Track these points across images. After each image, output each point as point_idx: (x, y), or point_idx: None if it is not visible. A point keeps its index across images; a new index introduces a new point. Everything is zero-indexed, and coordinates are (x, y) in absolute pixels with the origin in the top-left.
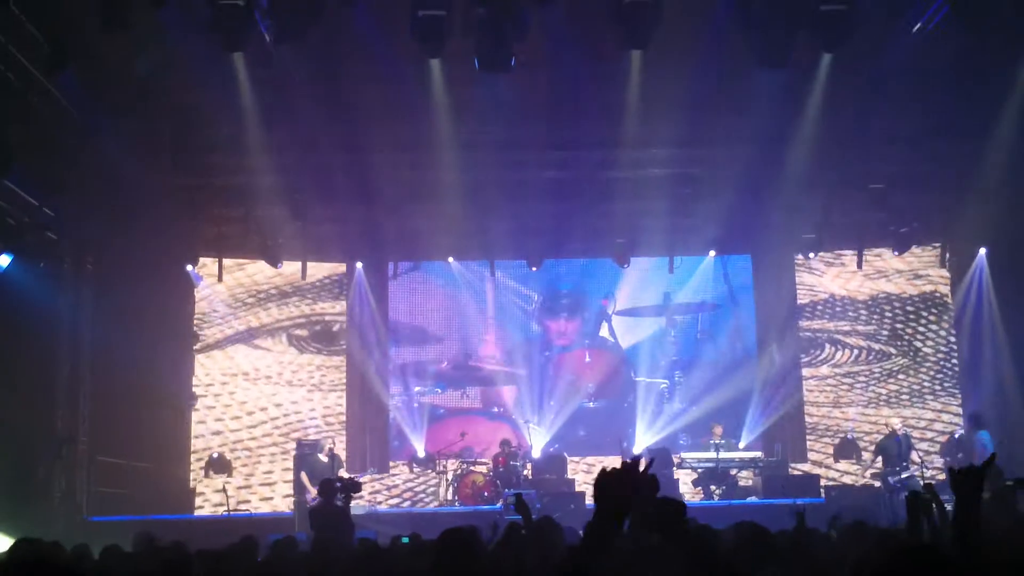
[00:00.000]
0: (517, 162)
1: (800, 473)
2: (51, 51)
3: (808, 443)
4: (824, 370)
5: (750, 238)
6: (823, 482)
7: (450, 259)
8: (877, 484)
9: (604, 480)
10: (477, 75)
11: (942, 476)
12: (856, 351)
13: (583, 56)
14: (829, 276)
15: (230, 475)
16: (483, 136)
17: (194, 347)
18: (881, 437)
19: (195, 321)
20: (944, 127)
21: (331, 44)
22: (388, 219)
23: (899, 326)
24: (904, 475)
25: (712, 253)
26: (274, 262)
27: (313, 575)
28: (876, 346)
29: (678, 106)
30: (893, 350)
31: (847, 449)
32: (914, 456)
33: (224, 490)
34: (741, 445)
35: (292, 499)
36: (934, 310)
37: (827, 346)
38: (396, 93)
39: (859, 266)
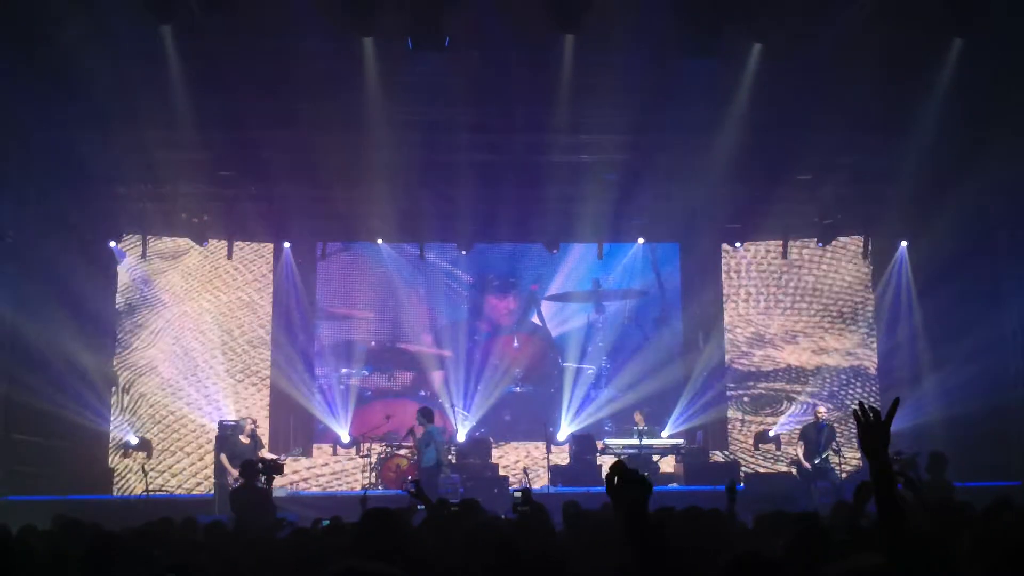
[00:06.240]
0: (448, 144)
1: (721, 460)
2: None
3: (729, 433)
4: (782, 419)
5: (678, 226)
6: (743, 470)
7: (379, 240)
8: (794, 471)
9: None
10: (410, 54)
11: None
12: (805, 405)
13: (517, 39)
14: (787, 351)
15: (150, 456)
16: (415, 117)
17: (116, 324)
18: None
19: (117, 299)
20: (869, 119)
21: (262, 18)
22: (317, 198)
23: (835, 389)
24: (817, 462)
25: (640, 240)
26: (199, 240)
27: (234, 556)
28: (818, 403)
29: (610, 93)
30: (832, 405)
31: (766, 439)
32: (833, 448)
33: (143, 471)
34: (664, 434)
35: (213, 480)
36: (860, 379)
37: (784, 401)
38: (328, 70)
39: (784, 256)
